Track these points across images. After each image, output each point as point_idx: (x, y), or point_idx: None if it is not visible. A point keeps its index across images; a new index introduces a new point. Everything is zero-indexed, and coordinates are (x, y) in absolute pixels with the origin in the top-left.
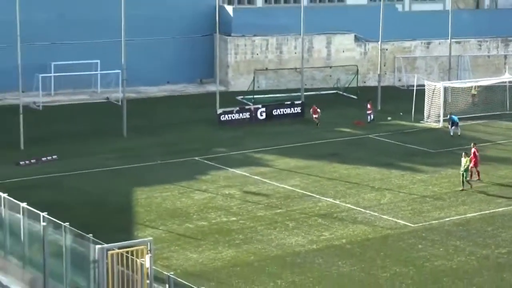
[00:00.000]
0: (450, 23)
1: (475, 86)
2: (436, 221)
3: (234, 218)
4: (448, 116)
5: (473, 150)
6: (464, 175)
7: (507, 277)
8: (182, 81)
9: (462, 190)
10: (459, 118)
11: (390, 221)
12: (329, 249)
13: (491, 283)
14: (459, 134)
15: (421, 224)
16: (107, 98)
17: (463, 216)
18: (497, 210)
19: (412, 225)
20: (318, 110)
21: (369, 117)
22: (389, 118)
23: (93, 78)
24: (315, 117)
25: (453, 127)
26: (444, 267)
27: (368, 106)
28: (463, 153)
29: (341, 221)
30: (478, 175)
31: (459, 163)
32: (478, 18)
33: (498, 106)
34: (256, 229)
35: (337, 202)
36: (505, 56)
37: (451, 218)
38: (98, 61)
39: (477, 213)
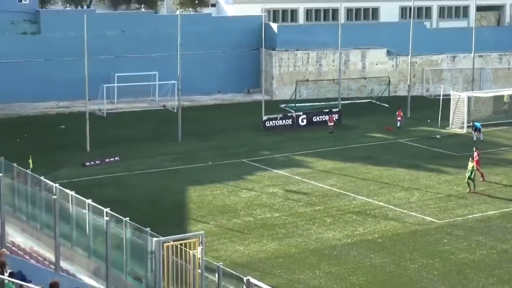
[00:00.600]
0: (473, 39)
1: (508, 95)
2: (460, 218)
3: (277, 214)
4: (472, 123)
5: (475, 154)
6: (470, 177)
7: None
8: (231, 91)
9: (470, 192)
10: (481, 125)
11: (418, 218)
12: (363, 243)
13: (510, 274)
14: (481, 139)
15: (446, 220)
16: (164, 106)
17: (484, 213)
18: None
19: (438, 222)
20: (335, 119)
21: (398, 123)
22: (428, 120)
23: (151, 88)
24: (330, 125)
25: (475, 133)
26: (467, 260)
27: (398, 113)
28: (470, 158)
29: (373, 217)
30: (482, 176)
31: (482, 166)
32: (499, 34)
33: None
34: (297, 224)
35: (370, 200)
36: None
37: (474, 215)
38: (157, 72)
39: (497, 211)
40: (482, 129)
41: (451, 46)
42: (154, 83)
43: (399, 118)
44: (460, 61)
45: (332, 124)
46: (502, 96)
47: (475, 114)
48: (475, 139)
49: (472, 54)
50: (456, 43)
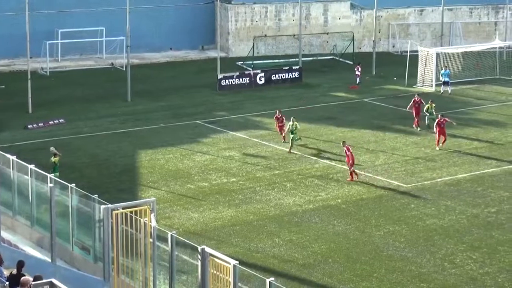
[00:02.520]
0: None
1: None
2: (428, 182)
3: (234, 179)
4: (442, 71)
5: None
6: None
7: (495, 235)
8: (184, 47)
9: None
10: (450, 81)
11: (384, 182)
12: (325, 209)
13: (480, 241)
14: (449, 92)
15: (413, 184)
16: (112, 64)
17: (454, 176)
18: (486, 171)
19: (405, 186)
20: (284, 120)
21: (358, 79)
22: (395, 78)
23: (98, 45)
24: (280, 130)
25: (442, 86)
26: (435, 226)
27: (357, 68)
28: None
29: (336, 182)
30: (438, 143)
31: (451, 126)
32: None
33: (488, 71)
34: (255, 189)
35: (333, 163)
36: (495, 23)
37: (442, 178)
38: (104, 28)
39: (467, 174)
40: (452, 88)
41: (420, 0)
42: (101, 39)
43: (357, 73)
44: (428, 15)
45: (282, 126)
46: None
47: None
48: (442, 91)
49: (441, 8)
50: None
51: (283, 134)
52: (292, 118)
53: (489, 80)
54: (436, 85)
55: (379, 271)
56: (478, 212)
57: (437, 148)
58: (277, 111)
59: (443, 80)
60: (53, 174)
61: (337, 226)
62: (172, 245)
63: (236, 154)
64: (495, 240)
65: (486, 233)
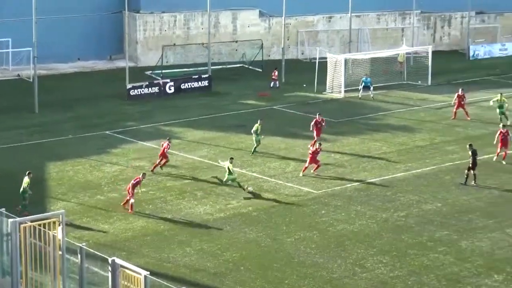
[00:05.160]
0: None
1: (402, 54)
2: (339, 188)
3: (144, 189)
4: (364, 78)
5: (317, 119)
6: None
7: (405, 239)
8: (92, 57)
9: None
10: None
11: (295, 189)
12: (236, 217)
13: (390, 244)
14: (372, 96)
15: (324, 190)
16: (18, 75)
17: (364, 182)
18: (396, 175)
19: (316, 192)
20: (324, 125)
21: (272, 83)
22: (304, 85)
23: (4, 56)
24: (317, 133)
25: (361, 91)
26: (346, 231)
27: (273, 73)
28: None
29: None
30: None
31: (360, 132)
32: None
33: (396, 77)
34: (166, 199)
35: (244, 171)
36: (402, 29)
37: (352, 184)
38: (10, 39)
39: (377, 179)
40: (359, 94)
41: (327, 6)
42: (7, 50)
43: (274, 78)
44: (336, 21)
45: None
46: (397, 56)
47: (352, 78)
48: (360, 96)
49: (349, 14)
50: (332, 2)
51: (314, 140)
52: (259, 120)
53: (396, 85)
54: (346, 91)
55: (291, 278)
56: (387, 216)
57: (310, 148)
58: (317, 115)
59: (363, 85)
60: None
61: (248, 233)
62: (82, 258)
63: (146, 164)
64: (404, 244)
65: (396, 237)
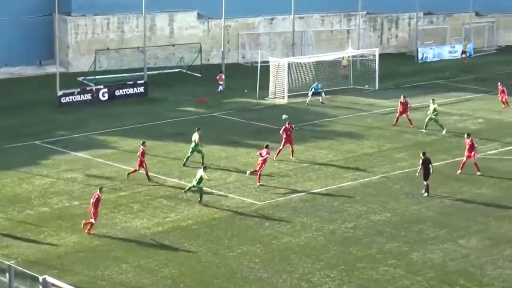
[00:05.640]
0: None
1: (346, 57)
2: (283, 198)
3: (76, 203)
4: (314, 85)
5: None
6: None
7: (353, 251)
8: (20, 63)
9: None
10: (304, 93)
11: (237, 200)
12: (175, 231)
13: (338, 258)
14: (321, 101)
15: (267, 201)
16: None
17: (309, 192)
18: (343, 184)
19: (259, 203)
20: (408, 105)
21: (220, 87)
22: (246, 91)
23: None
24: (402, 114)
25: (311, 96)
26: (291, 244)
27: (219, 77)
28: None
29: (186, 202)
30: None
31: (305, 139)
32: None
33: (341, 81)
34: (100, 212)
35: (183, 182)
36: (348, 31)
37: (297, 194)
38: None
39: (323, 188)
40: (304, 99)
41: (269, 8)
42: None
43: (220, 82)
44: (278, 23)
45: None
46: (341, 59)
47: (296, 82)
48: (307, 102)
49: (292, 16)
50: (274, 3)
51: (408, 117)
52: (196, 129)
53: (342, 90)
54: (290, 96)
55: None
56: (335, 228)
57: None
58: (402, 96)
59: (313, 91)
60: None
61: (188, 248)
62: (11, 276)
63: (79, 176)
64: (353, 257)
65: (344, 250)
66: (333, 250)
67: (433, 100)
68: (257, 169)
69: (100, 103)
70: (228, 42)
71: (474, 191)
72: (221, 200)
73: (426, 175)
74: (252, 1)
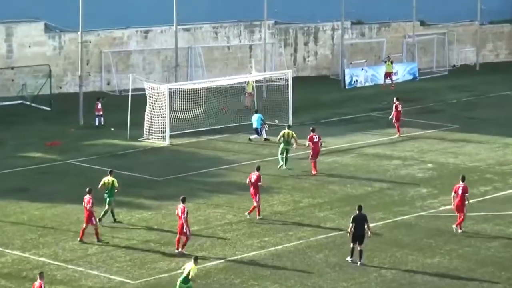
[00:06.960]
0: (175, 4)
1: (252, 82)
2: (166, 275)
3: None
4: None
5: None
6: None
7: None
8: None
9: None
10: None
11: (102, 278)
12: None
13: None
14: (264, 136)
15: (144, 279)
16: None
17: (200, 266)
18: (247, 255)
19: (132, 282)
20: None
21: (97, 120)
22: (112, 129)
23: None
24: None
25: (259, 134)
26: None
27: (98, 106)
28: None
29: (30, 281)
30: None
31: (194, 194)
32: None
33: (241, 114)
34: None
35: (27, 255)
36: (250, 47)
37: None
38: None
39: (220, 261)
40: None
41: (143, 16)
42: None
43: (97, 113)
44: (156, 38)
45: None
46: (246, 84)
47: (181, 117)
48: (251, 138)
49: (174, 27)
50: (149, 11)
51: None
52: (109, 171)
53: (244, 126)
54: (173, 136)
55: None
56: None
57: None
58: (394, 98)
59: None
60: None
61: None
62: None
63: None
64: None
65: None
66: None
67: (289, 126)
68: (254, 204)
69: None
70: (87, 63)
71: (423, 261)
72: (80, 279)
73: (360, 237)
74: (119, 7)
